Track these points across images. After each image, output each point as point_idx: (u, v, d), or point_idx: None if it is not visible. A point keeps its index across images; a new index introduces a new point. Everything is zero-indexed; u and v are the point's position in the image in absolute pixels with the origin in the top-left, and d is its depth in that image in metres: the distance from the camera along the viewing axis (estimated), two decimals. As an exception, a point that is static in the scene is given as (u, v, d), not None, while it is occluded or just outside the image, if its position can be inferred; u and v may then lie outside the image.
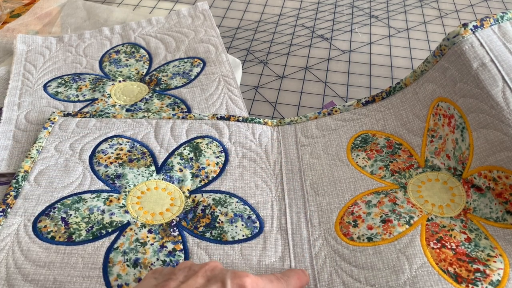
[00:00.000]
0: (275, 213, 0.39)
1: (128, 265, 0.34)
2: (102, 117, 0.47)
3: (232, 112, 0.50)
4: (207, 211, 0.39)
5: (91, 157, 0.43)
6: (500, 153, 0.36)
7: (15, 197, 0.39)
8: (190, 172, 0.43)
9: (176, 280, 0.28)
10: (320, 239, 0.37)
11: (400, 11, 0.74)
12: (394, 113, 0.45)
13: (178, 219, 0.39)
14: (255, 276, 0.29)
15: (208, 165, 0.43)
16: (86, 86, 0.53)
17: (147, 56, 0.59)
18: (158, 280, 0.29)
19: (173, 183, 0.42)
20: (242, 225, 0.38)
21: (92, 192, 0.40)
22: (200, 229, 0.38)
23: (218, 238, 0.37)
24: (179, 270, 0.29)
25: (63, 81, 0.54)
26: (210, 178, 0.42)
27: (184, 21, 0.64)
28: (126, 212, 0.39)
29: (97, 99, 0.51)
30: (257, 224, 0.38)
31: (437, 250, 0.34)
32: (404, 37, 0.68)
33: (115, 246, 0.36)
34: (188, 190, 0.41)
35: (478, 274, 0.32)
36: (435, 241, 0.34)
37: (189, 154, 0.44)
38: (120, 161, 0.43)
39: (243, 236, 0.37)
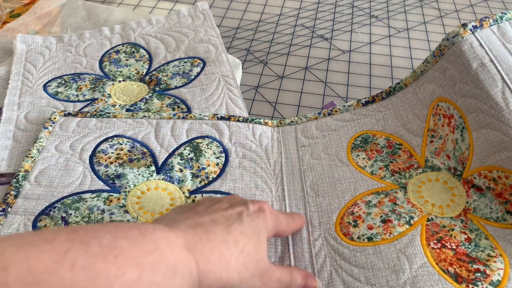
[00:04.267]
0: (275, 213, 0.39)
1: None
2: (103, 117, 0.47)
3: (232, 112, 0.50)
4: (207, 211, 0.39)
5: (92, 157, 0.43)
6: (500, 153, 0.36)
7: (16, 196, 0.39)
8: (190, 173, 0.43)
9: (202, 206, 0.31)
10: (320, 239, 0.37)
11: (400, 11, 0.74)
12: (394, 113, 0.45)
13: (178, 219, 0.39)
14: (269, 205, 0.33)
15: (208, 165, 0.43)
16: (86, 86, 0.53)
17: (147, 56, 0.59)
18: (183, 211, 0.31)
19: (173, 183, 0.42)
20: (242, 225, 0.38)
21: (92, 192, 0.40)
22: (200, 229, 0.38)
23: (218, 238, 0.37)
24: (202, 202, 0.33)
25: (63, 81, 0.54)
26: (210, 179, 0.42)
27: (184, 21, 0.64)
28: (126, 212, 0.39)
29: (97, 99, 0.51)
30: (257, 224, 0.38)
31: (437, 250, 0.34)
32: (404, 37, 0.68)
33: (115, 246, 0.36)
34: (188, 190, 0.41)
35: (478, 274, 0.32)
36: (435, 241, 0.34)
37: (189, 154, 0.44)
38: (120, 161, 0.43)
39: (243, 236, 0.37)
